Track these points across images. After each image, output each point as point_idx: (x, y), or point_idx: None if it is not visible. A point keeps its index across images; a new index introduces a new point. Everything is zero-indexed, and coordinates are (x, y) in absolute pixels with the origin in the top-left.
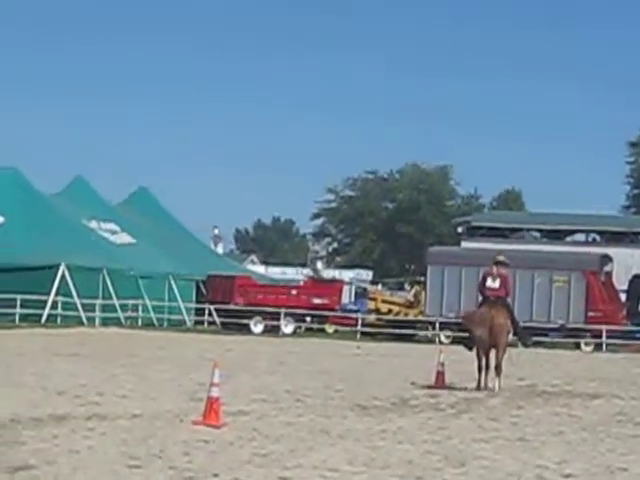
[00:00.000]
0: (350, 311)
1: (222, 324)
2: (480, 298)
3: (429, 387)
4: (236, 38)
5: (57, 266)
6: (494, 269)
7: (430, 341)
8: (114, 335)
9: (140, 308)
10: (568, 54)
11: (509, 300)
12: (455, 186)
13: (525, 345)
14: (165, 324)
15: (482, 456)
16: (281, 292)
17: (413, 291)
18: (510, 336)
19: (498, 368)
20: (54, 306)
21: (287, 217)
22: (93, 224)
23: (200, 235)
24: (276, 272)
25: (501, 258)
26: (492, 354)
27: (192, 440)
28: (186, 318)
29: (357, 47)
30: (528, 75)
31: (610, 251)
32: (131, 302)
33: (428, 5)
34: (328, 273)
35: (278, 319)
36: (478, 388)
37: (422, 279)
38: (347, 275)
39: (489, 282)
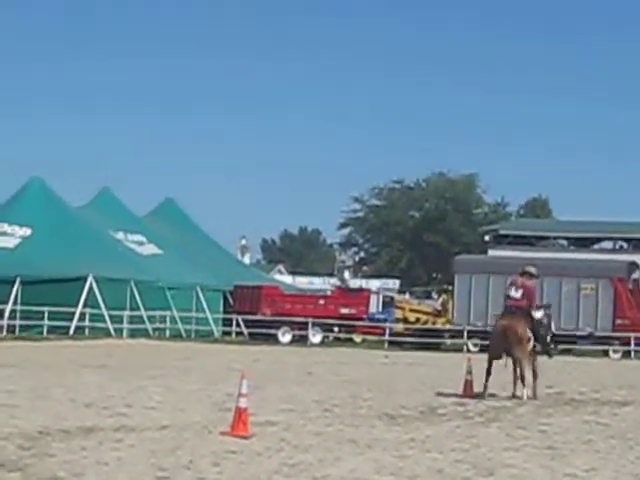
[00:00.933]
0: (378, 320)
1: (250, 334)
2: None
3: (457, 395)
4: (262, 50)
5: (84, 278)
6: (519, 279)
7: (458, 350)
8: (142, 346)
9: (168, 319)
10: (596, 63)
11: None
12: (482, 194)
13: (548, 356)
14: (193, 335)
15: (511, 464)
16: (308, 302)
17: (441, 300)
18: (530, 345)
19: (522, 378)
20: (82, 318)
21: (314, 227)
22: (120, 235)
23: (227, 245)
24: (303, 282)
25: (528, 269)
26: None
27: (221, 451)
28: (214, 329)
29: (383, 57)
30: (554, 84)
31: (637, 258)
32: (159, 313)
33: (454, 14)
34: (355, 282)
35: (306, 329)
36: (480, 394)
37: (449, 288)
38: (374, 284)
39: (512, 292)
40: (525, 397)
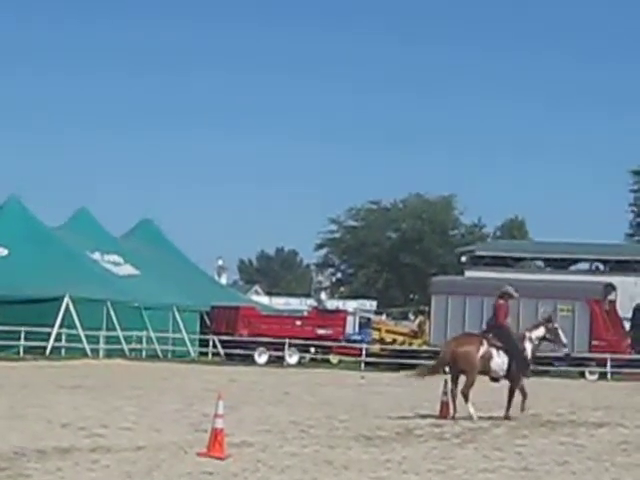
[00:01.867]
0: (354, 341)
1: (226, 355)
2: None
3: (434, 417)
4: (237, 63)
5: (61, 298)
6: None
7: (434, 365)
8: (118, 367)
9: (144, 339)
10: (572, 80)
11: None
12: (459, 215)
13: (524, 376)
14: (169, 355)
15: None
16: (285, 322)
17: (417, 321)
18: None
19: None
20: (58, 338)
21: (290, 248)
22: (97, 256)
23: (204, 266)
24: (280, 303)
25: (506, 289)
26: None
27: (197, 472)
28: (190, 349)
29: (359, 74)
30: (531, 102)
31: (614, 280)
32: (135, 334)
33: (432, 31)
34: (332, 303)
35: (282, 350)
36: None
37: (426, 309)
38: (351, 305)
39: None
40: (472, 416)
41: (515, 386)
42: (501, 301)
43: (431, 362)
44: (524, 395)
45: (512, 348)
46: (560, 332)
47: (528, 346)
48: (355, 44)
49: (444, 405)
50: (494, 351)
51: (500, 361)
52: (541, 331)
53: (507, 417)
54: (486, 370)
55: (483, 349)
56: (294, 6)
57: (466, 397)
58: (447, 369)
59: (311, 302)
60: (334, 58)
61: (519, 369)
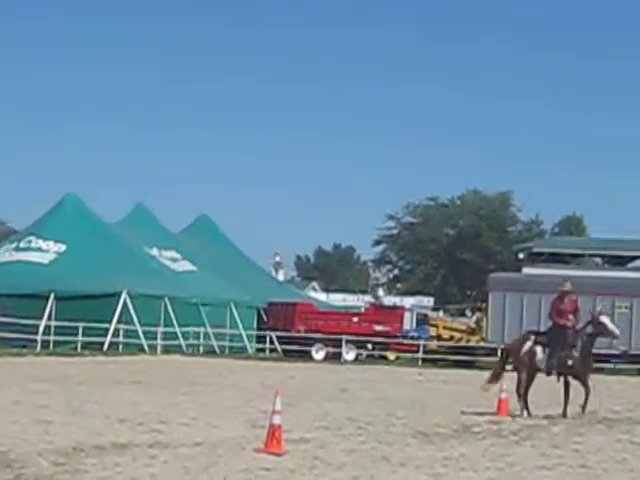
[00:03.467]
0: (412, 338)
1: (283, 351)
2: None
3: (491, 414)
4: (299, 70)
5: (119, 294)
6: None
7: (492, 367)
8: (175, 362)
9: (201, 335)
10: (631, 82)
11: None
12: (516, 212)
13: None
14: (226, 351)
15: None
16: (342, 319)
17: (475, 317)
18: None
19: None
20: (116, 334)
21: (348, 244)
22: (154, 252)
23: (261, 262)
24: (337, 299)
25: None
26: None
27: (254, 468)
28: (247, 345)
29: (419, 74)
30: (588, 101)
31: None
32: (192, 329)
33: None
34: (389, 300)
35: (340, 346)
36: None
37: (483, 305)
38: (408, 302)
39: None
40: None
41: (582, 382)
42: (555, 298)
43: (487, 359)
44: (586, 394)
45: (554, 344)
46: (609, 324)
47: (579, 343)
48: (420, 44)
49: (502, 402)
50: (538, 348)
51: (543, 357)
52: (589, 328)
53: (564, 415)
54: (533, 366)
55: (527, 345)
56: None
57: (517, 394)
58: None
59: (368, 298)
60: (395, 57)
61: (568, 365)
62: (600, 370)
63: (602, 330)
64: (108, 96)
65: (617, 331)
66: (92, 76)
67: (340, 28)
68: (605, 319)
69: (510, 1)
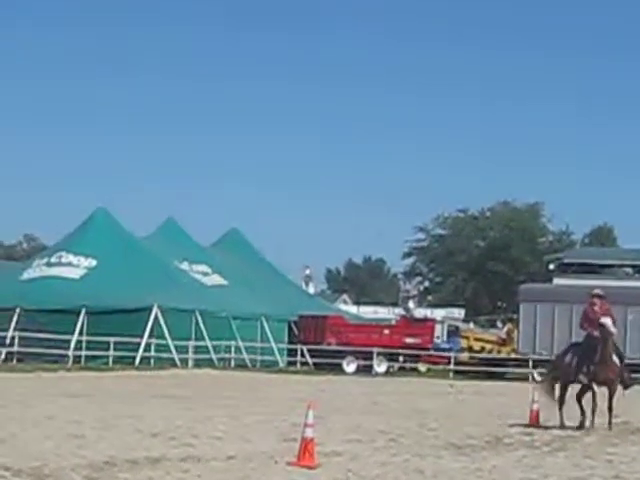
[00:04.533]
0: (443, 350)
1: (314, 364)
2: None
3: (524, 425)
4: (325, 74)
5: (150, 308)
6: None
7: (523, 379)
8: (207, 376)
9: (232, 349)
10: None
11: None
12: (546, 223)
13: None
14: (258, 365)
15: None
16: (373, 331)
17: (505, 329)
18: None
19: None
20: (147, 348)
21: (378, 256)
22: (185, 266)
23: (291, 275)
24: (368, 311)
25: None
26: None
27: None
28: (278, 359)
29: (449, 84)
30: (620, 111)
31: None
32: (224, 343)
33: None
34: (420, 312)
35: (371, 359)
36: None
37: (514, 316)
38: (439, 314)
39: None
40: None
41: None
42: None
43: (518, 370)
44: (593, 404)
45: (584, 354)
46: (609, 326)
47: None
48: (454, 52)
49: (534, 413)
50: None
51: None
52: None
53: (581, 425)
54: (568, 377)
55: (568, 357)
56: None
57: (559, 404)
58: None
59: (399, 311)
60: (434, 68)
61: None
62: (634, 380)
63: (604, 332)
64: (138, 106)
65: (614, 330)
66: (118, 84)
67: (364, 29)
68: (605, 320)
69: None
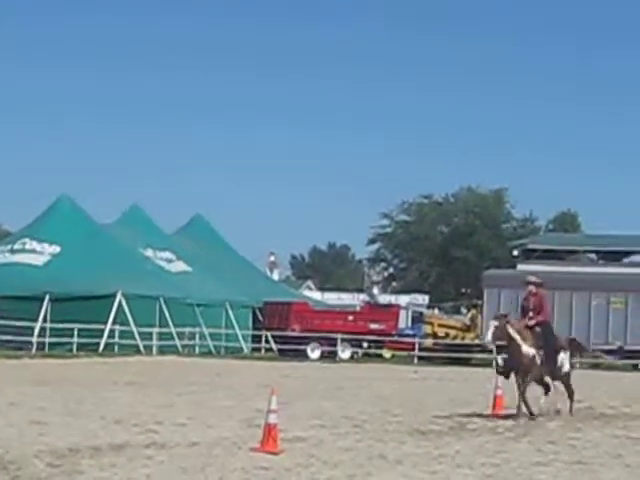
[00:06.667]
0: (407, 336)
1: (279, 350)
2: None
3: (487, 411)
4: (295, 66)
5: (114, 295)
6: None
7: (487, 365)
8: (171, 363)
9: (197, 336)
10: (627, 70)
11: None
12: (510, 209)
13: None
14: (222, 351)
15: (541, 479)
16: (338, 318)
17: (470, 315)
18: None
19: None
20: (111, 335)
21: (342, 243)
22: (149, 252)
23: (256, 262)
24: (332, 298)
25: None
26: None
27: (250, 467)
28: (243, 345)
29: (415, 70)
30: (581, 95)
31: None
32: (188, 330)
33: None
34: (384, 298)
35: (335, 345)
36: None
37: (479, 302)
38: (403, 300)
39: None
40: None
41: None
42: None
43: (482, 356)
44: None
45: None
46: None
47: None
48: (415, 38)
49: (497, 399)
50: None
51: None
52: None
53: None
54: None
55: None
56: None
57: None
58: None
59: (363, 297)
60: (390, 53)
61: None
62: (596, 366)
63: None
64: (101, 94)
65: (489, 338)
66: (85, 74)
67: (338, 22)
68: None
69: None
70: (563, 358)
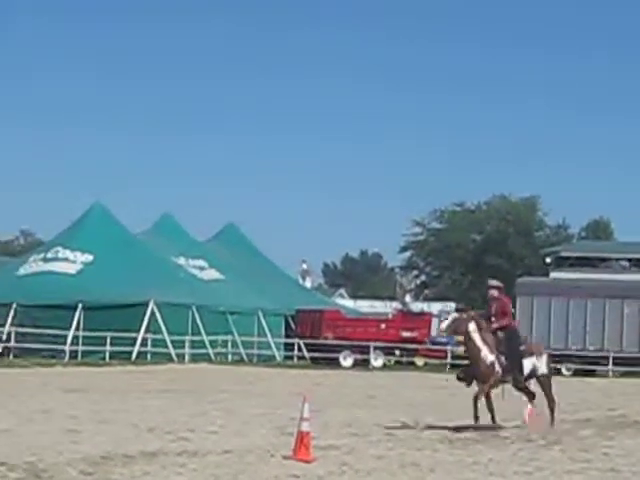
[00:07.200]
0: (439, 344)
1: (311, 358)
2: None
3: (520, 419)
4: (323, 67)
5: (146, 303)
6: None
7: None
8: (204, 371)
9: (229, 344)
10: None
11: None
12: (543, 217)
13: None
14: (254, 359)
15: None
16: (370, 325)
17: None
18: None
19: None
20: (144, 343)
21: (375, 251)
22: (181, 261)
23: (288, 270)
24: (365, 306)
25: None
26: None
27: (283, 475)
28: (275, 353)
29: (447, 80)
30: (616, 105)
31: None
32: (220, 338)
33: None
34: (416, 306)
35: (367, 353)
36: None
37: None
38: (436, 307)
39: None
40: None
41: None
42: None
43: None
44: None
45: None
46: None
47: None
48: (430, 48)
49: (530, 407)
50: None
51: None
52: None
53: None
54: None
55: None
56: None
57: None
58: None
59: (396, 305)
60: (428, 64)
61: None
62: (630, 374)
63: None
64: (133, 101)
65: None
66: (107, 81)
67: (352, 27)
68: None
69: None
70: (534, 364)
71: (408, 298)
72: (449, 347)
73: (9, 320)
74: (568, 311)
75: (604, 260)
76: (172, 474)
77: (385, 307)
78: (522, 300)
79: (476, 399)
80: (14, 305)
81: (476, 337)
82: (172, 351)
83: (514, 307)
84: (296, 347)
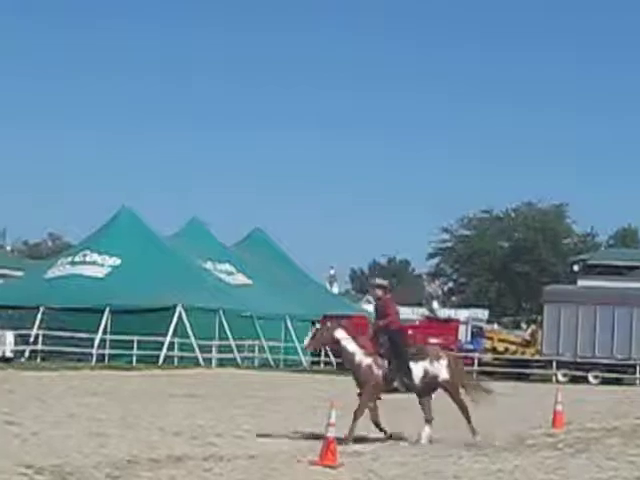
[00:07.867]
0: (467, 350)
1: (338, 364)
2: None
3: (546, 426)
4: (351, 73)
5: (173, 307)
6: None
7: (547, 380)
8: (231, 376)
9: (256, 349)
10: None
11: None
12: (571, 224)
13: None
14: (281, 364)
15: None
16: None
17: (529, 330)
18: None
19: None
20: (171, 347)
21: (402, 257)
22: (209, 265)
23: (316, 275)
24: None
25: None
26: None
27: None
28: (302, 358)
29: (473, 89)
30: None
31: None
32: (247, 343)
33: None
34: (444, 312)
35: None
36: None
37: (538, 318)
38: (463, 314)
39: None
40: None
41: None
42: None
43: (542, 371)
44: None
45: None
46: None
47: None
48: (461, 55)
49: (557, 415)
50: None
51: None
52: None
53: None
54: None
55: None
56: None
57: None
58: None
59: (423, 311)
60: (462, 70)
61: None
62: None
63: None
64: (160, 106)
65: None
66: (132, 83)
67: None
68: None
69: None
70: (427, 369)
71: (435, 304)
72: (476, 354)
73: (37, 323)
74: (595, 319)
75: (632, 268)
76: (198, 478)
77: (412, 313)
78: (549, 308)
79: (356, 414)
80: (42, 308)
81: (347, 343)
82: (199, 355)
83: (541, 315)
84: (323, 353)
